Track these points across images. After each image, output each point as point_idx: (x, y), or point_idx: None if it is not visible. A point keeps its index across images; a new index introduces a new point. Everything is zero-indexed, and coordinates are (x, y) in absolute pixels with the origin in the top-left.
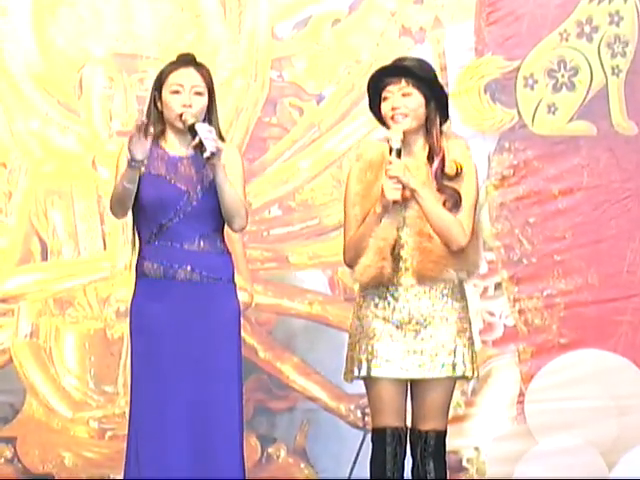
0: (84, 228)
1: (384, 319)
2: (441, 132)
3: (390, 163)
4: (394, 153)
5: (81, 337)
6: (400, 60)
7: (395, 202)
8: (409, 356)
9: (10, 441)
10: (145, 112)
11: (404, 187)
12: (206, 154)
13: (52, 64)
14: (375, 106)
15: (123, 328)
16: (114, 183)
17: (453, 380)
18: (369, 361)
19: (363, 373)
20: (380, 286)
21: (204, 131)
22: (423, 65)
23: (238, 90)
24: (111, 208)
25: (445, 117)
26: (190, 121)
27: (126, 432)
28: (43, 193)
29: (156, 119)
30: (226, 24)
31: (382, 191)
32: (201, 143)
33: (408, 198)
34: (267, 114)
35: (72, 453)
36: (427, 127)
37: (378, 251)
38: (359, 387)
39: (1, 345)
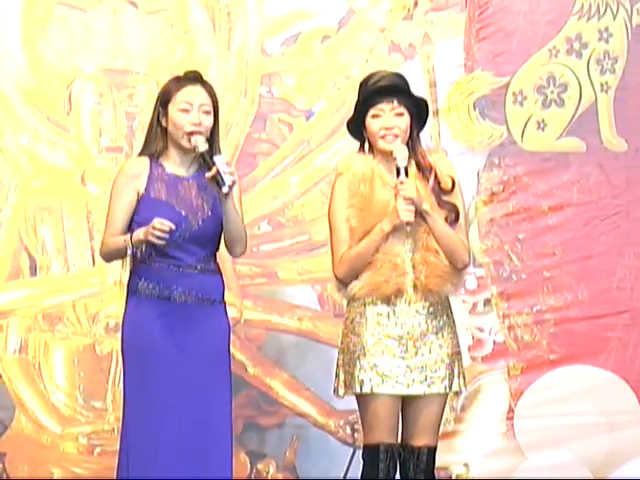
0: (73, 244)
1: (386, 335)
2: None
3: (402, 183)
4: (402, 172)
5: (70, 353)
6: (378, 75)
7: (408, 223)
8: (410, 372)
9: None
10: (147, 128)
11: (417, 208)
12: (224, 189)
13: (42, 79)
14: (358, 120)
15: (112, 344)
16: (108, 223)
17: (446, 396)
18: (371, 378)
19: (366, 390)
20: (388, 301)
21: (222, 164)
22: (406, 81)
23: (228, 106)
24: (103, 256)
25: (421, 130)
26: (201, 148)
27: (115, 448)
28: (32, 209)
29: (159, 136)
30: (216, 40)
31: (395, 211)
32: (219, 175)
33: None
34: (257, 130)
35: (61, 469)
36: (410, 144)
37: (394, 267)
38: (349, 403)
39: None
